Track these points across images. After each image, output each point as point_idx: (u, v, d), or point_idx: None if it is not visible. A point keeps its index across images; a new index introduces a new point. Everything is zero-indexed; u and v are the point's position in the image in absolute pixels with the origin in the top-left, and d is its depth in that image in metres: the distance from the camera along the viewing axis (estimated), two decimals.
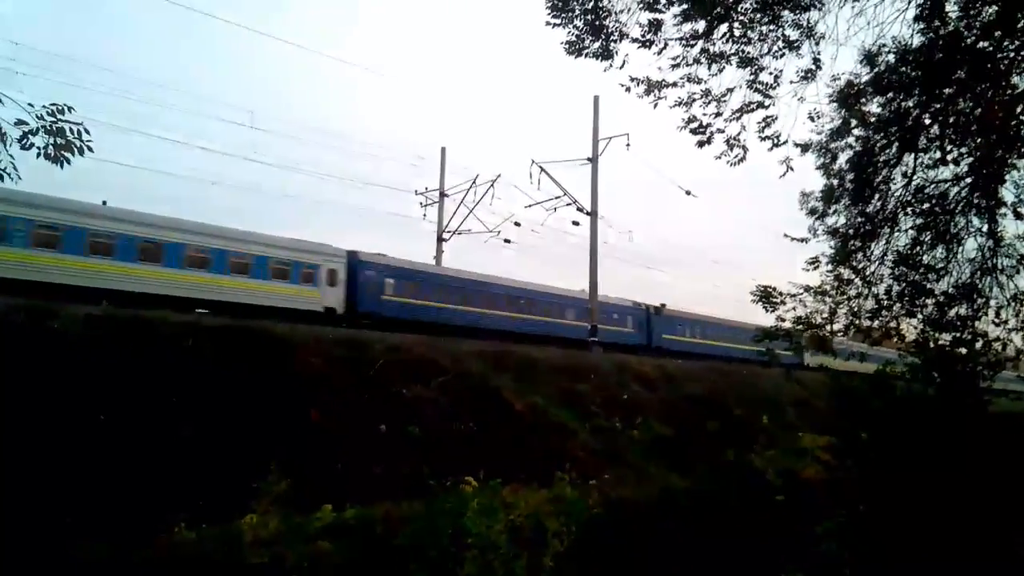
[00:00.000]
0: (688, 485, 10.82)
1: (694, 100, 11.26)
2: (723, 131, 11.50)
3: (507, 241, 44.05)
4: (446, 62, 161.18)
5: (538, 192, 41.08)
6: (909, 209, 12.81)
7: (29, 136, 7.05)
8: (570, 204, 40.92)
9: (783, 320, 12.68)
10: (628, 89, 11.16)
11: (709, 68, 10.94)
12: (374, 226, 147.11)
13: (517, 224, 43.03)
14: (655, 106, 11.18)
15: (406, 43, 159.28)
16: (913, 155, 12.28)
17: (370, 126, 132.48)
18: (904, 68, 11.37)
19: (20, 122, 7.00)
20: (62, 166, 7.25)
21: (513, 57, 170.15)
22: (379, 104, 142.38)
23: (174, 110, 77.63)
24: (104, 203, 28.71)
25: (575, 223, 41.13)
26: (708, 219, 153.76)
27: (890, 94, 11.85)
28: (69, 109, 7.16)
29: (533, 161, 40.53)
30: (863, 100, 12.16)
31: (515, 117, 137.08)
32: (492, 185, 42.78)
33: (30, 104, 7.09)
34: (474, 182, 43.87)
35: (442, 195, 47.06)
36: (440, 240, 46.49)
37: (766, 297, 12.56)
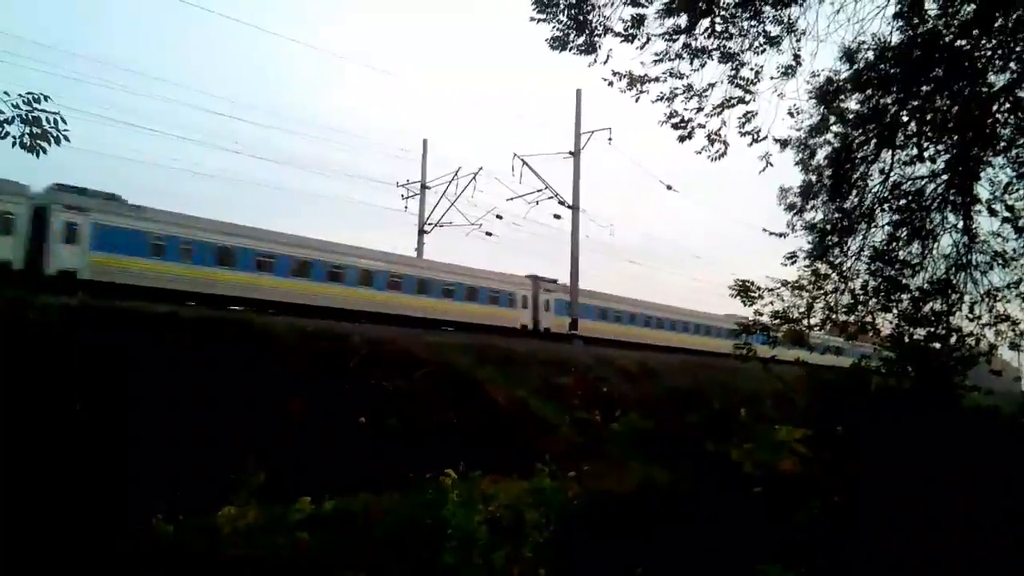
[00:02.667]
0: (668, 477, 10.89)
1: (676, 95, 11.29)
2: (704, 126, 11.55)
3: (488, 234, 44.06)
4: (429, 55, 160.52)
5: (520, 185, 41.09)
6: (886, 205, 12.95)
7: (4, 125, 6.92)
8: (552, 197, 41.01)
9: (761, 314, 12.78)
10: (611, 83, 11.17)
11: (691, 63, 10.98)
12: (356, 217, 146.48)
13: (499, 217, 43.10)
14: (637, 100, 11.20)
15: (389, 35, 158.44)
16: (890, 152, 12.41)
17: (353, 117, 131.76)
18: (883, 65, 11.47)
19: None
20: (38, 155, 7.13)
21: (496, 51, 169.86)
22: (362, 95, 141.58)
23: (152, 98, 76.49)
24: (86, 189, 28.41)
25: (557, 216, 41.21)
26: (689, 214, 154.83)
27: (869, 91, 11.95)
28: (45, 98, 7.03)
29: (515, 154, 40.60)
30: (842, 97, 12.27)
31: (498, 111, 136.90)
32: (474, 178, 42.82)
33: (5, 93, 6.97)
34: (456, 175, 43.87)
35: (423, 187, 46.96)
36: (421, 232, 46.40)
37: (744, 291, 12.65)
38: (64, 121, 7.11)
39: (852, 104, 12.44)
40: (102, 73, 76.40)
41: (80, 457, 11.91)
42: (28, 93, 6.98)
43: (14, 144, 7.04)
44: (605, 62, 10.79)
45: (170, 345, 15.60)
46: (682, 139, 11.62)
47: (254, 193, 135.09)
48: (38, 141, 7.06)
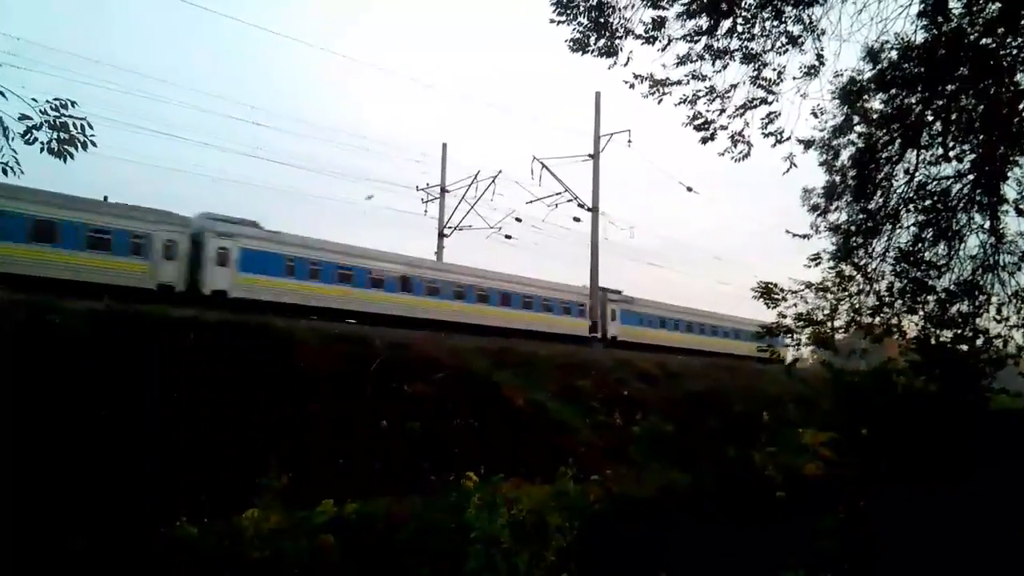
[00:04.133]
0: (689, 481, 10.81)
1: (699, 97, 11.25)
2: (726, 127, 11.50)
3: (508, 237, 44.07)
4: (448, 59, 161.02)
5: (539, 188, 41.07)
6: (911, 206, 12.79)
7: (33, 131, 7.02)
8: (571, 200, 40.97)
9: (784, 317, 12.68)
10: (632, 86, 11.15)
11: (713, 64, 10.93)
12: (377, 221, 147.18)
13: (518, 220, 43.09)
14: (660, 102, 11.17)
15: (408, 41, 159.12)
16: (915, 152, 12.26)
17: (373, 122, 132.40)
18: (907, 65, 11.34)
19: (24, 117, 6.96)
20: (65, 160, 7.22)
21: (515, 54, 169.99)
22: (382, 100, 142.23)
23: (176, 106, 77.37)
24: (105, 198, 28.86)
25: (576, 219, 41.19)
26: (711, 215, 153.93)
27: (893, 90, 11.83)
28: (72, 104, 7.12)
29: (535, 157, 40.60)
30: (866, 96, 12.15)
31: (517, 114, 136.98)
32: (493, 181, 42.86)
33: (34, 99, 7.06)
34: (475, 178, 43.95)
35: (443, 191, 47.04)
36: (441, 236, 46.49)
37: (767, 293, 12.55)
38: (91, 127, 7.20)
39: (876, 104, 12.32)
40: (122, 79, 77.61)
41: (104, 458, 12.06)
42: (56, 99, 7.07)
43: (42, 150, 7.14)
44: (626, 64, 10.77)
45: (194, 350, 15.75)
46: (705, 141, 11.57)
47: (275, 197, 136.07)
48: (65, 147, 7.18)
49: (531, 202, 41.84)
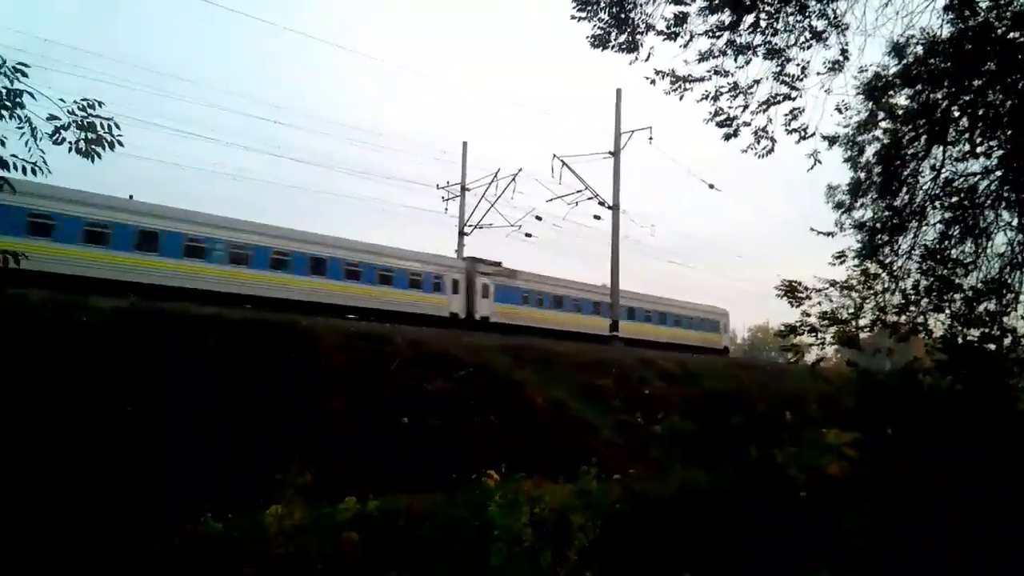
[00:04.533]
0: (711, 481, 10.74)
1: (721, 93, 11.17)
2: (749, 123, 11.41)
3: (528, 235, 44.08)
4: (465, 57, 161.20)
5: (560, 186, 41.02)
6: (937, 203, 12.60)
7: (61, 131, 7.10)
8: (592, 198, 40.89)
9: (808, 315, 12.53)
10: (653, 82, 11.08)
11: (735, 60, 10.85)
12: (400, 220, 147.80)
13: (538, 218, 43.11)
14: (681, 99, 11.11)
15: (425, 38, 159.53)
16: (942, 148, 12.08)
17: (392, 120, 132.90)
18: (933, 59, 11.19)
19: (52, 117, 7.04)
20: (93, 160, 7.28)
21: (535, 52, 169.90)
22: (399, 98, 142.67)
23: (200, 105, 78.11)
24: (130, 197, 29.18)
25: (597, 217, 41.05)
26: (732, 213, 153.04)
27: (919, 86, 11.67)
28: (99, 104, 7.19)
29: (555, 155, 40.59)
30: (891, 92, 11.99)
31: (536, 112, 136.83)
32: (513, 179, 42.94)
33: (61, 99, 7.13)
34: (495, 176, 43.98)
35: (463, 189, 47.13)
36: (461, 234, 46.58)
37: (791, 292, 12.40)
38: (118, 127, 7.27)
39: (901, 99, 12.16)
40: (143, 78, 78.69)
41: (126, 455, 12.21)
42: (83, 99, 7.13)
43: (70, 150, 7.22)
44: (647, 60, 10.72)
45: (216, 349, 15.90)
46: (727, 137, 11.49)
47: (294, 196, 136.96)
48: (93, 147, 7.25)
49: (551, 200, 41.88)
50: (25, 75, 6.70)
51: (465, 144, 48.29)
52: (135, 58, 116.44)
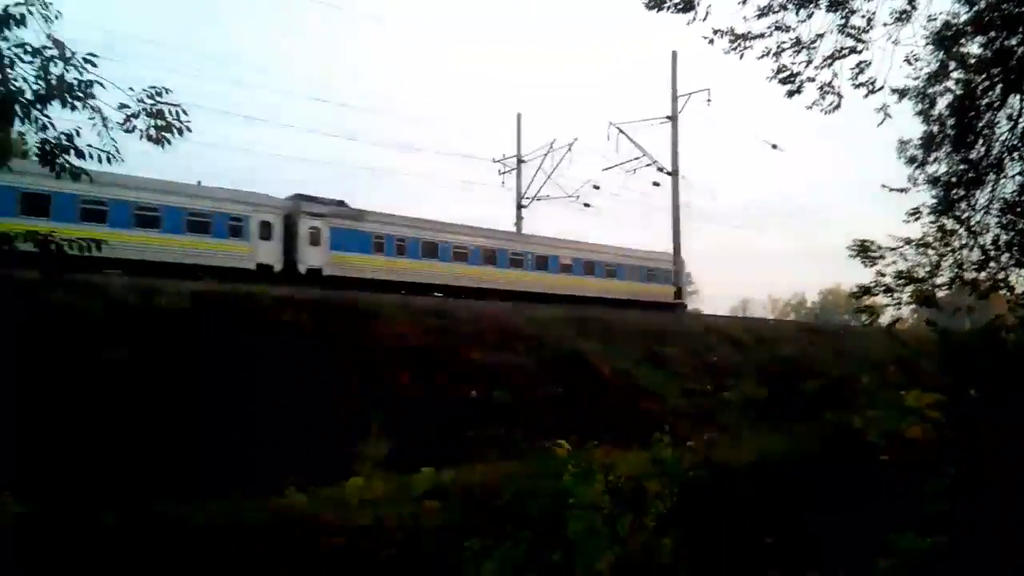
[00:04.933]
0: (785, 447, 10.63)
1: (783, 49, 10.88)
2: (814, 79, 11.12)
3: (587, 205, 43.78)
4: (519, 27, 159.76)
5: (616, 155, 40.53)
6: (1016, 154, 12.08)
7: (131, 119, 7.33)
8: (650, 164, 40.31)
9: (883, 275, 12.20)
10: (711, 41, 10.87)
11: (797, 14, 10.55)
12: (457, 194, 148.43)
13: (596, 188, 42.76)
14: (741, 57, 10.87)
15: (475, 13, 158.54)
16: (1018, 96, 11.54)
17: (445, 94, 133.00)
18: (1006, 5, 10.66)
19: (123, 106, 7.27)
20: (163, 147, 7.51)
21: (587, 19, 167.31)
22: (450, 70, 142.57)
23: (268, 92, 79.52)
24: (199, 183, 29.70)
25: (656, 184, 40.50)
26: (798, 174, 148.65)
27: (992, 33, 11.14)
28: (167, 91, 7.39)
29: (611, 123, 40.11)
30: (963, 40, 11.50)
31: (591, 80, 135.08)
32: (569, 149, 42.58)
33: (131, 88, 7.34)
34: (551, 147, 43.66)
35: (519, 162, 47.02)
36: (519, 207, 46.58)
37: (863, 252, 12.07)
38: (186, 113, 7.47)
39: (974, 48, 11.66)
40: (215, 68, 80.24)
41: (217, 429, 12.75)
42: (151, 87, 7.34)
43: (140, 137, 7.45)
44: (704, 19, 10.50)
45: (294, 329, 16.39)
46: (791, 94, 11.22)
47: (353, 173, 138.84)
48: (163, 133, 7.48)
49: (608, 169, 41.39)
50: (94, 65, 6.89)
51: (519, 116, 48.04)
52: (206, 47, 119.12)
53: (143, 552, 7.08)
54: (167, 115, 7.43)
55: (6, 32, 6.61)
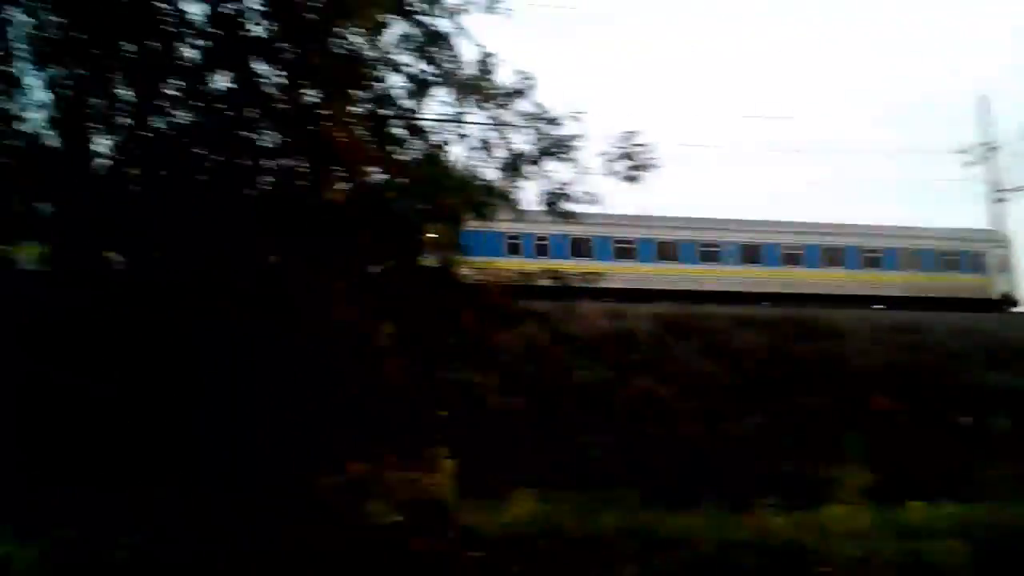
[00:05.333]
0: None
1: None
2: None
3: None
4: None
5: None
6: None
7: (611, 163, 8.15)
8: None
9: None
10: None
11: None
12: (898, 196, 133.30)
13: None
14: None
15: None
16: None
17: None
18: None
19: (603, 152, 8.12)
20: (635, 183, 8.21)
21: None
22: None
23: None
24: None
25: None
26: None
27: None
28: (635, 133, 8.08)
29: None
30: None
31: None
32: None
33: (605, 136, 8.12)
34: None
35: (991, 149, 40.09)
36: (996, 202, 39.68)
37: None
38: (654, 150, 8.10)
39: None
40: None
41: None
42: (623, 132, 8.15)
43: (618, 177, 8.24)
44: None
45: None
46: None
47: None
48: (635, 172, 8.17)
49: None
50: (579, 120, 7.78)
51: (984, 98, 40.92)
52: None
53: None
54: (636, 155, 8.12)
55: (510, 104, 7.94)
